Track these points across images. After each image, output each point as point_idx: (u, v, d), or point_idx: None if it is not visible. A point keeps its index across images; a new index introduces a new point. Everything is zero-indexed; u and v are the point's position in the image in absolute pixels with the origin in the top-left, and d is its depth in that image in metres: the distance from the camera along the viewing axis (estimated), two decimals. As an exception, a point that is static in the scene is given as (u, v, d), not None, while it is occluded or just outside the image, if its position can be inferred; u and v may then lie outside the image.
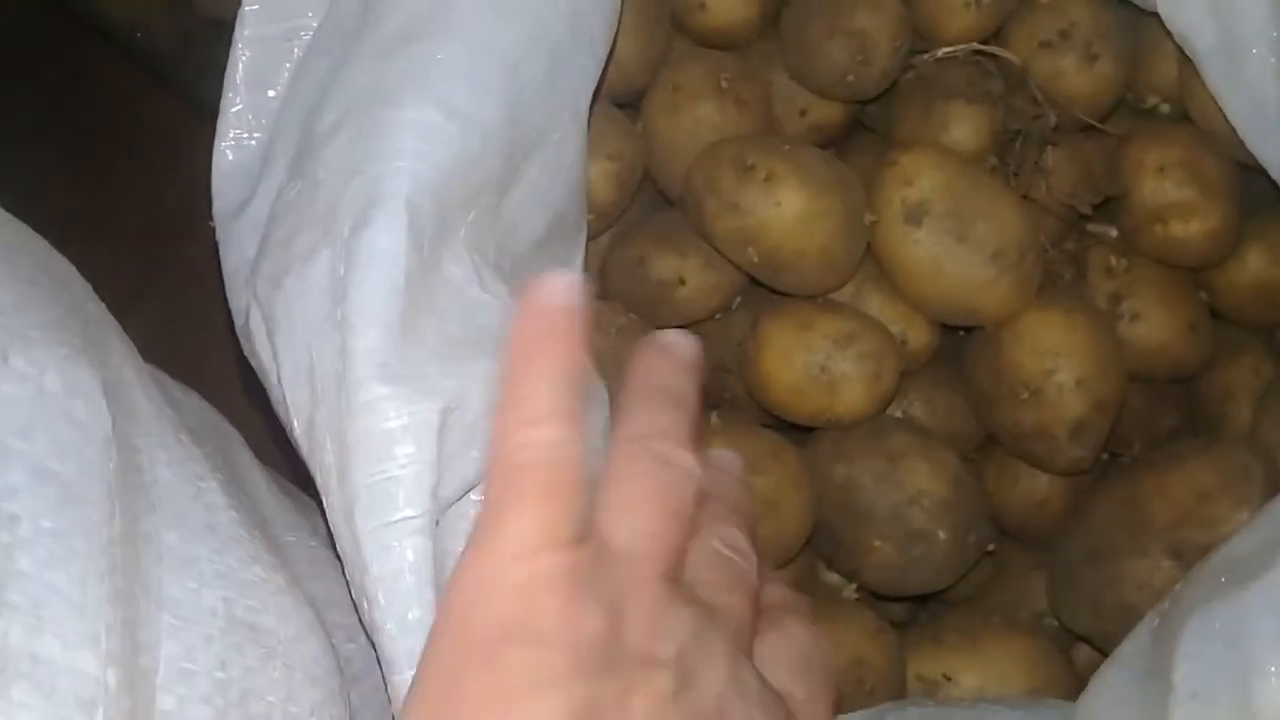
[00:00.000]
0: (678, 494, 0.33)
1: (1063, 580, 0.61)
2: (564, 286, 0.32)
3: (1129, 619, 0.58)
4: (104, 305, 0.41)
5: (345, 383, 0.39)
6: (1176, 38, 0.56)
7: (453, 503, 0.41)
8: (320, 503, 0.41)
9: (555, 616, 0.29)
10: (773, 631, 0.36)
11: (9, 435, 0.31)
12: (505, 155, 0.46)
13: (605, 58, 0.51)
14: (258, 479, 0.46)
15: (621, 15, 0.51)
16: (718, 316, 0.63)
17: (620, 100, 0.62)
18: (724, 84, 0.60)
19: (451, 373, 0.41)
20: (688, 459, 0.33)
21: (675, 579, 0.32)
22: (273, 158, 0.48)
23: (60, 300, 0.35)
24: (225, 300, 0.50)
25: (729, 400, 0.65)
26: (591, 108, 0.52)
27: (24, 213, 0.41)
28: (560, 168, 0.49)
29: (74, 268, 0.41)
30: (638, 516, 0.32)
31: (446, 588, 0.30)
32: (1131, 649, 0.48)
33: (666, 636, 0.31)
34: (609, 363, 0.61)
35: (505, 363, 0.31)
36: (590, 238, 0.62)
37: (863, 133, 0.68)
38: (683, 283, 0.61)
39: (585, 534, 0.30)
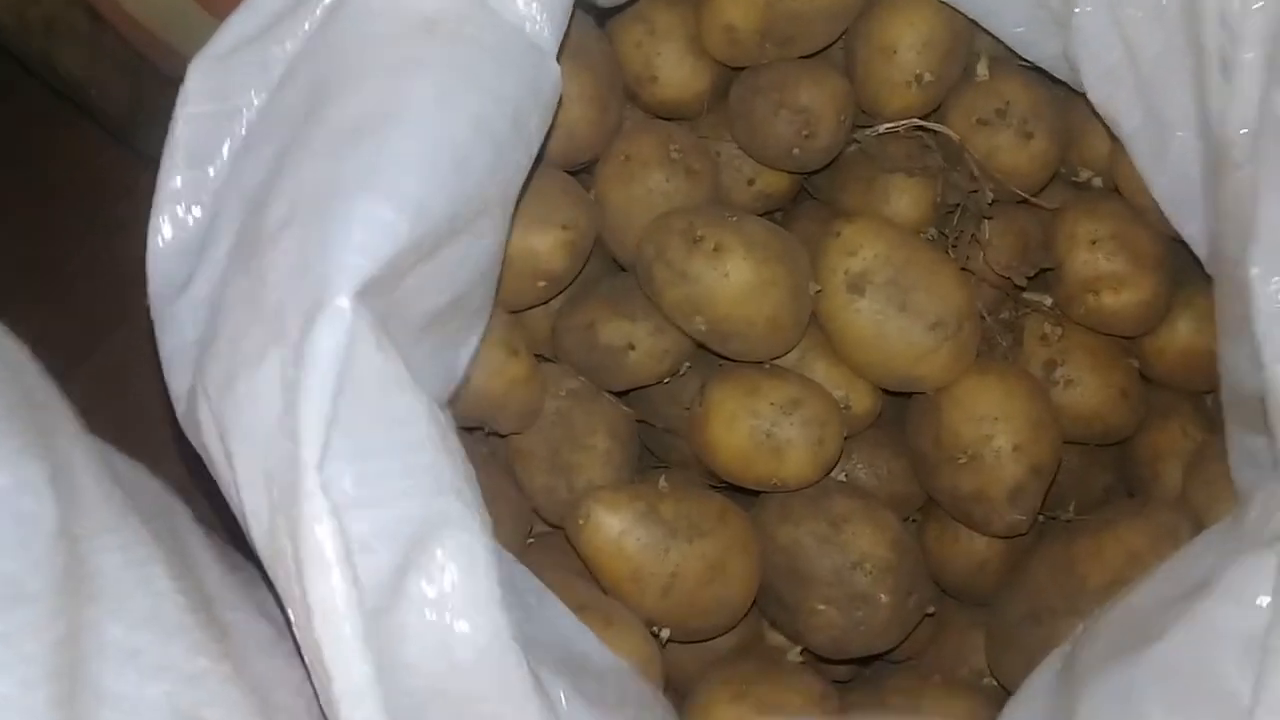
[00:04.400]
0: None
1: (1002, 640, 0.63)
2: None
3: (1065, 679, 0.60)
4: (54, 388, 0.41)
5: (297, 494, 0.39)
6: (1105, 119, 0.58)
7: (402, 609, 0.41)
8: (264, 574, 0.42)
9: None
10: None
11: None
12: (445, 248, 0.47)
13: (538, 151, 0.53)
14: (204, 555, 0.46)
15: (561, 99, 0.52)
16: (667, 380, 0.64)
17: (574, 168, 0.64)
18: (674, 155, 0.62)
19: (399, 483, 0.41)
20: None
21: None
22: (214, 240, 0.48)
23: (10, 390, 0.36)
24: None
25: (677, 462, 0.66)
26: (519, 201, 0.53)
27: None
28: (473, 253, 0.50)
29: (21, 349, 0.41)
30: None
31: None
32: (1036, 687, 0.50)
33: None
34: (557, 425, 0.62)
35: None
36: (542, 303, 0.64)
37: (809, 200, 0.70)
38: (632, 348, 0.62)
39: None
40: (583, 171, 0.65)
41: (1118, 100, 0.56)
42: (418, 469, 0.43)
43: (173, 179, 0.50)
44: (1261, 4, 0.47)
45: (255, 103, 0.50)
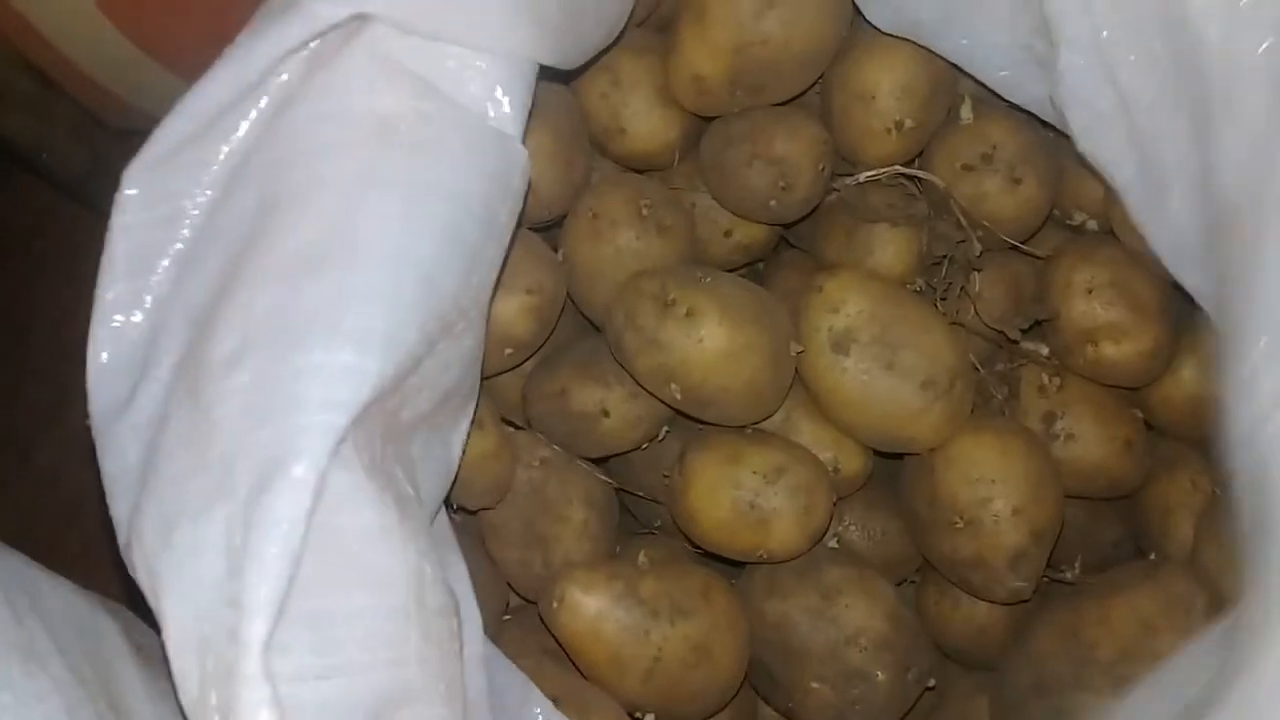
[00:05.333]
0: None
1: (1007, 711, 0.59)
2: None
3: (1075, 757, 0.57)
4: None
5: (235, 674, 0.37)
6: (1096, 169, 0.55)
7: None
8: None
9: None
10: None
11: None
12: (416, 363, 0.44)
13: (510, 240, 0.50)
14: (132, 681, 0.43)
15: (531, 159, 0.49)
16: (645, 446, 0.61)
17: (539, 226, 0.61)
18: (644, 211, 0.59)
19: (362, 653, 0.39)
20: None
21: None
22: (156, 358, 0.45)
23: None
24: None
25: (660, 529, 0.63)
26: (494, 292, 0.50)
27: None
28: (458, 355, 0.48)
29: None
30: None
31: None
32: None
33: None
34: (530, 497, 0.59)
35: None
36: (510, 369, 0.60)
37: (791, 249, 0.66)
38: (606, 415, 0.59)
39: None
40: (553, 226, 0.62)
41: (1109, 150, 0.52)
42: (383, 637, 0.40)
43: (111, 290, 0.47)
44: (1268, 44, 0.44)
45: (197, 206, 0.47)
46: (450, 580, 0.47)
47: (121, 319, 0.47)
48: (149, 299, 0.47)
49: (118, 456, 0.45)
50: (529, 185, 0.50)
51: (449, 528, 0.53)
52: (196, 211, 0.47)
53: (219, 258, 0.45)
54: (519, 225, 0.51)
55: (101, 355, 0.47)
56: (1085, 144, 0.52)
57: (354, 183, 0.44)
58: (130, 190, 0.47)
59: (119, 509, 0.44)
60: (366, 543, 0.41)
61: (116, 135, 0.76)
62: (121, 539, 0.43)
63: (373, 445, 0.42)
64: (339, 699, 0.39)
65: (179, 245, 0.47)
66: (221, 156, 0.47)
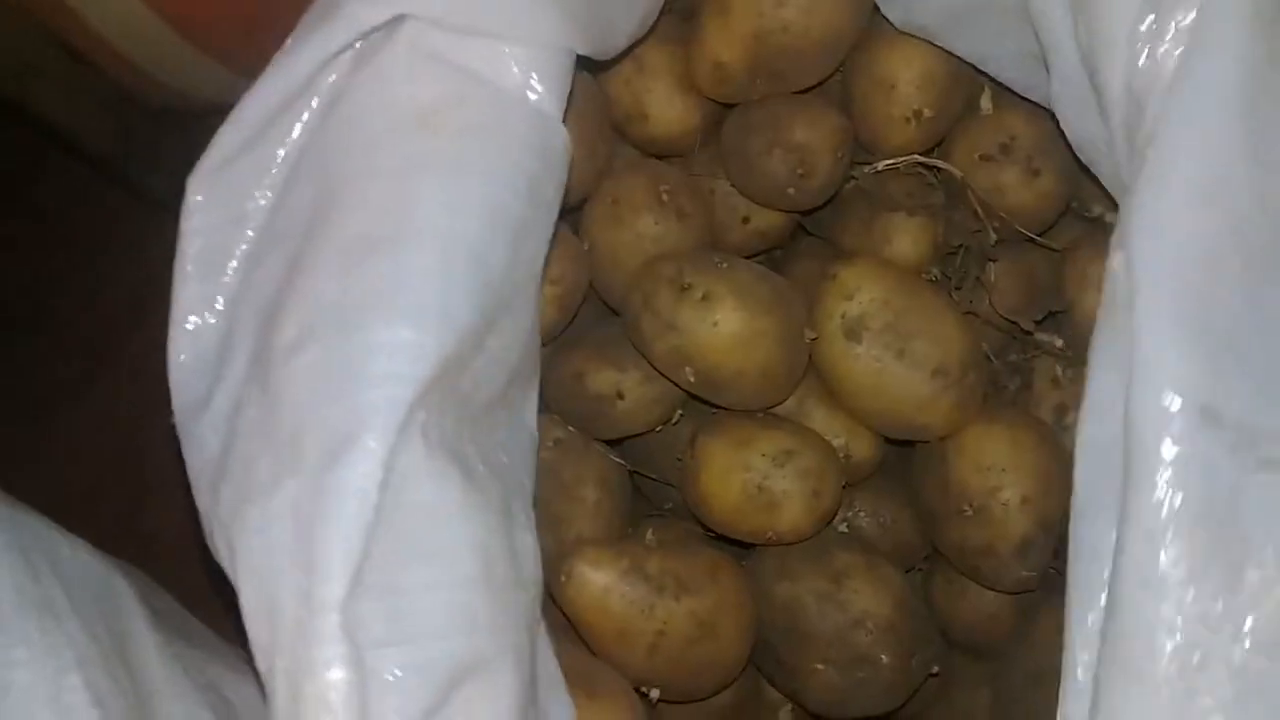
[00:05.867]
0: None
1: (1006, 701, 0.60)
2: None
3: (1074, 747, 0.57)
4: None
5: (309, 634, 0.38)
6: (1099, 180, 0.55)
7: None
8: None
9: None
10: None
11: None
12: (474, 342, 0.45)
13: (558, 210, 0.51)
14: (147, 644, 0.44)
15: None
16: (659, 429, 0.61)
17: (562, 211, 0.61)
18: (664, 196, 0.59)
19: (432, 621, 0.40)
20: None
21: None
22: (230, 355, 0.47)
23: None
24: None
25: (672, 511, 0.64)
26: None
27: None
28: (519, 330, 0.49)
29: None
30: None
31: None
32: None
33: None
34: (545, 477, 0.60)
35: None
36: (528, 351, 0.61)
37: (809, 237, 0.67)
38: (621, 397, 0.59)
39: None
40: (574, 211, 0.63)
41: (1104, 163, 0.53)
42: (453, 607, 0.42)
43: (184, 293, 0.49)
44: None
45: (259, 207, 0.49)
46: (522, 555, 0.48)
47: (196, 320, 0.49)
48: (221, 299, 0.49)
49: (199, 451, 0.47)
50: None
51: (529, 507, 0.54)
52: (259, 212, 0.49)
53: (281, 253, 0.47)
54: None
55: (180, 356, 0.49)
56: (1084, 156, 0.53)
57: (402, 170, 0.45)
58: (196, 196, 0.49)
59: (203, 502, 0.46)
60: (434, 518, 0.42)
61: (147, 112, 0.78)
62: (206, 530, 0.45)
63: (443, 424, 0.44)
64: (411, 664, 0.40)
65: (245, 246, 0.49)
66: (279, 158, 0.49)
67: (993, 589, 0.61)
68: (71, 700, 0.35)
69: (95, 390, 0.89)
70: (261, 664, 0.40)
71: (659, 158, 0.64)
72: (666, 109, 0.61)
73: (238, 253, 0.49)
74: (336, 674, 0.38)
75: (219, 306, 0.49)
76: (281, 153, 0.49)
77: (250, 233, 0.49)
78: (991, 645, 0.63)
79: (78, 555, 0.45)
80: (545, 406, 0.62)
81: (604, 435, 0.61)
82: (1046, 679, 0.58)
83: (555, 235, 0.58)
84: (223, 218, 0.49)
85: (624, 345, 0.60)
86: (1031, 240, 0.61)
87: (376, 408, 0.41)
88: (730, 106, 0.62)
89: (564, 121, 0.50)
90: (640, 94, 0.61)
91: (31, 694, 0.34)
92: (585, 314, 0.63)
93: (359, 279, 0.44)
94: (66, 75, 0.70)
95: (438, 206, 0.45)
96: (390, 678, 0.40)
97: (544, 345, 0.61)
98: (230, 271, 0.49)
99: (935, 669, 0.59)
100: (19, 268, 0.92)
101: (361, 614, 0.39)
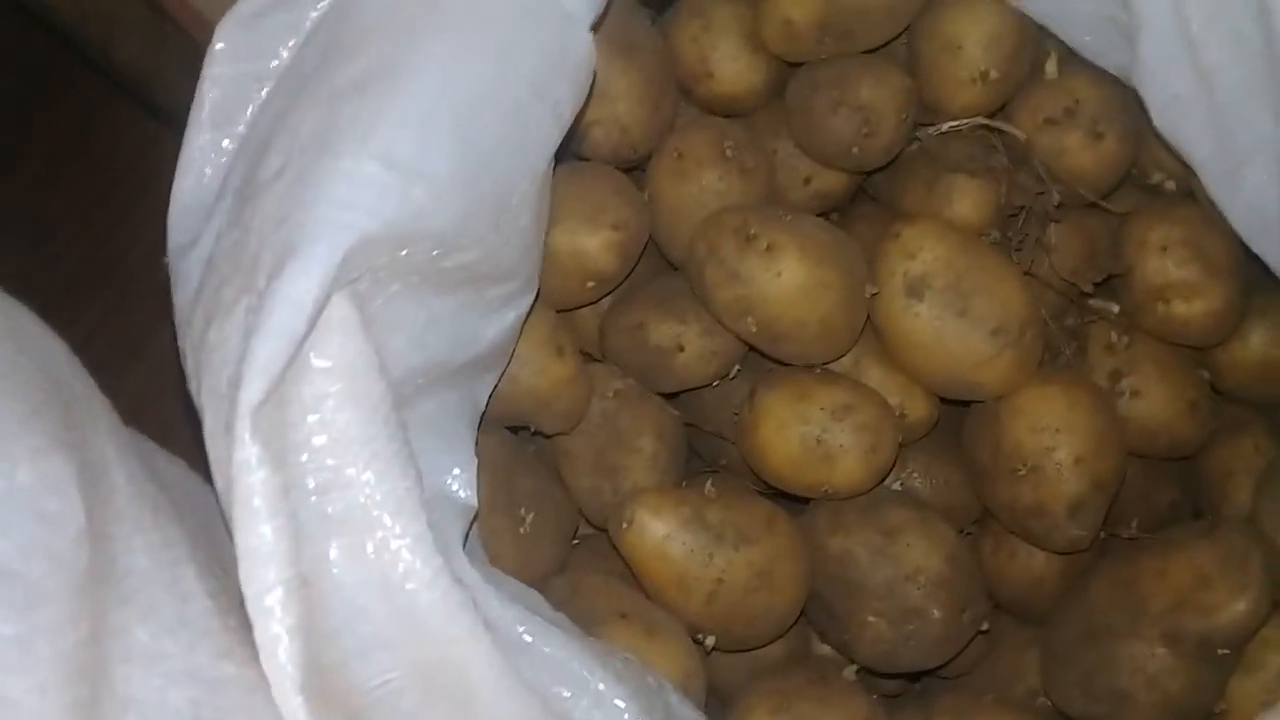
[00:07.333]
0: None
1: (1057, 659, 0.61)
2: None
3: (1122, 703, 0.58)
4: (91, 383, 0.41)
5: (230, 440, 0.38)
6: (1172, 147, 0.55)
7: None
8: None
9: None
10: None
11: None
12: (460, 212, 0.45)
13: (569, 122, 0.51)
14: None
15: (612, 95, 0.50)
16: (717, 384, 0.62)
17: (626, 166, 0.62)
18: (728, 152, 0.60)
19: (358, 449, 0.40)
20: None
21: None
22: (223, 197, 0.47)
23: (39, 384, 0.35)
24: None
25: (725, 466, 0.65)
26: (555, 168, 0.51)
27: (33, 254, 0.41)
28: (515, 229, 0.49)
29: (60, 342, 0.40)
30: None
31: None
32: None
33: None
34: (603, 426, 0.61)
35: None
36: (591, 303, 0.62)
37: (867, 201, 0.68)
38: (681, 349, 0.60)
39: None
40: (636, 169, 0.64)
41: (1186, 129, 0.53)
42: (375, 439, 0.41)
43: (198, 140, 0.49)
44: None
45: (282, 62, 0.49)
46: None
47: (203, 167, 0.49)
48: (229, 147, 0.49)
49: (184, 288, 0.47)
50: (594, 80, 0.51)
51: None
52: (280, 71, 0.49)
53: (282, 100, 0.47)
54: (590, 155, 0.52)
55: (183, 199, 0.49)
56: (1162, 122, 0.53)
57: (409, 25, 0.46)
58: (219, 44, 0.49)
59: (182, 337, 0.46)
60: (333, 378, 0.41)
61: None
62: (185, 365, 0.45)
63: (387, 288, 0.43)
64: (329, 482, 0.40)
65: (261, 101, 0.49)
66: (308, 23, 0.49)
67: (1044, 549, 0.61)
68: (187, 589, 0.36)
69: (159, 340, 0.91)
70: (219, 481, 0.40)
71: (723, 117, 0.64)
72: (732, 67, 0.62)
73: (251, 107, 0.49)
74: (254, 478, 0.39)
75: (223, 160, 0.49)
76: (313, 16, 0.49)
77: (267, 89, 0.49)
78: (1039, 608, 0.64)
79: (176, 469, 0.47)
80: (605, 356, 0.63)
81: (663, 388, 0.62)
82: (1098, 638, 0.59)
83: (616, 184, 0.59)
84: (244, 71, 0.49)
85: (685, 298, 0.61)
86: (1093, 204, 0.61)
87: (327, 226, 0.41)
88: (795, 67, 0.63)
89: (594, 31, 0.50)
90: (706, 51, 0.62)
91: (152, 578, 0.35)
92: (644, 268, 0.64)
93: (341, 116, 0.44)
94: (146, 28, 0.72)
95: (433, 61, 0.45)
96: (311, 483, 0.40)
97: (605, 295, 0.62)
98: (243, 125, 0.49)
99: (985, 625, 0.60)
100: (84, 223, 0.94)
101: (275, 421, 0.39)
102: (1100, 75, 0.60)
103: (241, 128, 0.49)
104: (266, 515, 0.38)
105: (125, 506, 0.36)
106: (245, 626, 0.37)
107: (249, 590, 0.37)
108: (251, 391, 0.38)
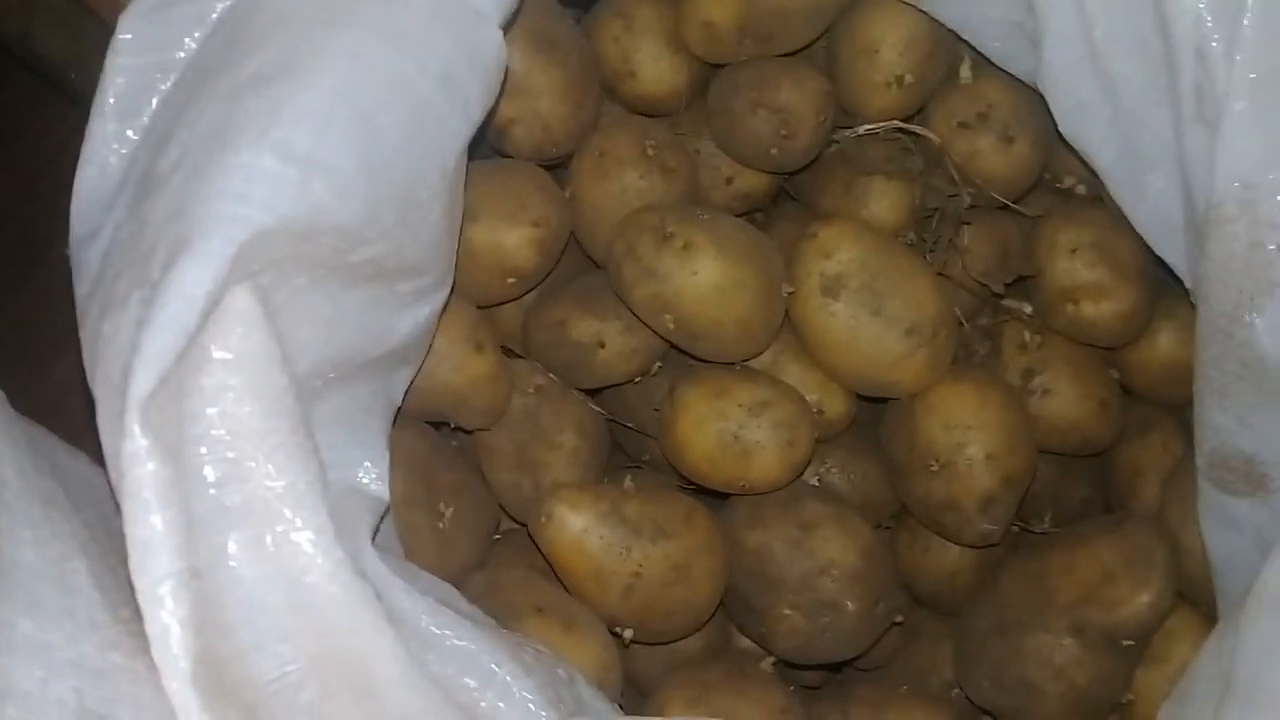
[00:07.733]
0: None
1: (969, 651, 0.62)
2: None
3: (1030, 694, 0.59)
4: None
5: (120, 432, 0.38)
6: (1077, 151, 0.57)
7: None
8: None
9: None
10: None
11: None
12: (364, 206, 0.45)
13: (480, 119, 0.51)
14: None
15: (534, 92, 0.50)
16: (638, 380, 0.63)
17: (548, 163, 0.63)
18: (650, 152, 0.61)
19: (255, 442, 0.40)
20: None
21: None
22: (124, 189, 0.47)
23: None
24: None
25: (648, 463, 0.65)
26: (477, 164, 0.51)
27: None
28: (425, 224, 0.49)
29: None
30: None
31: None
32: None
33: None
34: (524, 422, 0.61)
35: None
36: (512, 299, 0.63)
37: (789, 201, 0.69)
38: (602, 346, 0.61)
39: None
40: (559, 167, 0.64)
41: (1091, 135, 0.54)
42: (276, 431, 0.41)
43: (102, 129, 0.49)
44: (1242, 55, 0.46)
45: (185, 55, 0.49)
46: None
47: (106, 157, 0.49)
48: (132, 138, 0.49)
49: (84, 280, 0.47)
50: (506, 74, 0.52)
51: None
52: (184, 63, 0.49)
53: (185, 92, 0.47)
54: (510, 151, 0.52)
55: (85, 190, 0.49)
56: (1067, 128, 0.54)
57: (316, 19, 0.46)
58: (125, 34, 0.48)
59: (81, 328, 0.46)
60: (234, 370, 0.41)
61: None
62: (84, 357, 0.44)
63: (292, 281, 0.43)
64: (225, 475, 0.40)
65: (165, 91, 0.49)
66: (215, 15, 0.49)
67: (957, 543, 0.63)
68: (75, 582, 0.36)
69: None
70: (111, 473, 0.40)
71: (646, 117, 0.65)
72: (654, 67, 0.63)
73: (156, 98, 0.49)
74: (148, 467, 0.39)
75: (126, 150, 0.49)
76: (220, 7, 0.49)
77: (172, 81, 0.49)
78: (955, 601, 0.65)
79: (76, 460, 0.46)
80: (527, 353, 0.63)
81: (584, 384, 0.63)
82: (1008, 629, 0.60)
83: (537, 181, 0.60)
84: (149, 61, 0.49)
85: (606, 296, 0.61)
86: (1005, 207, 0.63)
87: (222, 219, 0.41)
88: (717, 68, 0.64)
89: (503, 32, 0.51)
90: (629, 52, 0.63)
91: (39, 571, 0.35)
92: (567, 265, 0.64)
93: (241, 109, 0.44)
94: (67, 17, 0.71)
95: (337, 56, 0.45)
96: (210, 475, 0.40)
97: (527, 291, 0.62)
98: (147, 117, 0.49)
99: (899, 618, 0.61)
100: (9, 220, 0.93)
101: (168, 413, 0.39)
102: (1014, 81, 0.61)
103: (145, 119, 0.49)
104: (157, 507, 0.38)
105: (14, 500, 0.36)
106: (138, 619, 0.37)
107: (139, 581, 0.37)
108: (141, 383, 0.38)
